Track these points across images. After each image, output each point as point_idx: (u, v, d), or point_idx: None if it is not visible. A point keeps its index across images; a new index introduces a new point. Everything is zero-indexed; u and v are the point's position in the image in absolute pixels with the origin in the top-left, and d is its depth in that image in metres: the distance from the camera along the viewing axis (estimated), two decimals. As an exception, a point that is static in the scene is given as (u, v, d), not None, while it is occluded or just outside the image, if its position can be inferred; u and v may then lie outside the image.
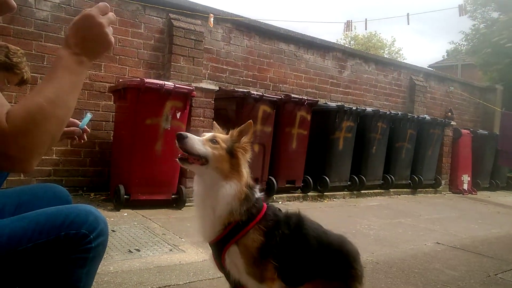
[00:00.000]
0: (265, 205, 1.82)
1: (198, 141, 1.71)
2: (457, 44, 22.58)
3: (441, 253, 3.97)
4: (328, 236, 1.91)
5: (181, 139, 1.68)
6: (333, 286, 1.84)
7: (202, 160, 1.71)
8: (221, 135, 1.83)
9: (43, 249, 1.17)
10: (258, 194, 1.80)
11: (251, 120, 1.86)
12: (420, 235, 4.65)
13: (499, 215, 6.72)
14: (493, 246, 4.42)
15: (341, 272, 1.84)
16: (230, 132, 1.86)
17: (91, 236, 1.21)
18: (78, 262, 1.20)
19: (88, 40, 1.07)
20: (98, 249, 1.23)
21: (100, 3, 1.12)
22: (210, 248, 1.86)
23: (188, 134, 1.72)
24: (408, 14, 7.37)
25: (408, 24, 7.14)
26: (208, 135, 1.80)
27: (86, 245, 1.20)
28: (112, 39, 1.12)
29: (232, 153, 1.76)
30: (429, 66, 27.68)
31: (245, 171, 1.78)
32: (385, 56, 31.27)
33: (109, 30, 1.10)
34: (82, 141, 1.80)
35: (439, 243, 4.31)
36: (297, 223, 1.82)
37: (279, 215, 1.82)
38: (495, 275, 3.38)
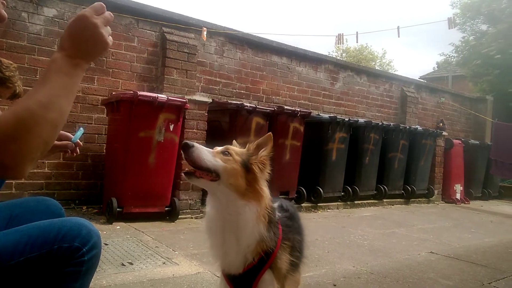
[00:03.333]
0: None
1: (207, 152, 1.52)
2: (447, 56, 22.88)
3: (435, 262, 3.98)
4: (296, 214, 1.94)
5: (187, 148, 1.48)
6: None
7: (212, 175, 1.50)
8: (236, 148, 1.63)
9: (35, 263, 1.17)
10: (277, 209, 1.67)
11: (270, 133, 1.68)
12: (414, 245, 4.66)
13: (492, 224, 6.75)
14: (486, 255, 4.43)
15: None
16: (247, 146, 1.66)
17: (84, 250, 1.20)
18: (71, 276, 1.19)
19: (83, 42, 1.03)
20: (91, 263, 1.23)
21: (96, 3, 1.07)
22: (220, 273, 1.69)
23: (195, 144, 1.52)
24: (398, 27, 7.48)
25: (399, 36, 7.26)
26: (220, 148, 1.60)
27: (79, 259, 1.20)
28: (109, 40, 1.07)
29: (248, 168, 1.55)
30: (420, 78, 27.96)
31: (266, 189, 1.57)
32: (376, 68, 31.61)
33: (105, 31, 1.05)
34: (75, 154, 1.80)
35: (433, 253, 4.32)
36: (293, 220, 1.78)
37: (288, 222, 1.72)
38: (489, 283, 3.39)
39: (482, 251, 4.58)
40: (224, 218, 1.53)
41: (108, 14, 1.07)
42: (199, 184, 1.57)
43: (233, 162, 1.53)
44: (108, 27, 1.07)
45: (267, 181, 1.62)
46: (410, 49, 66.77)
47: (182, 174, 1.57)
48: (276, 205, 1.72)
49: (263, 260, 1.53)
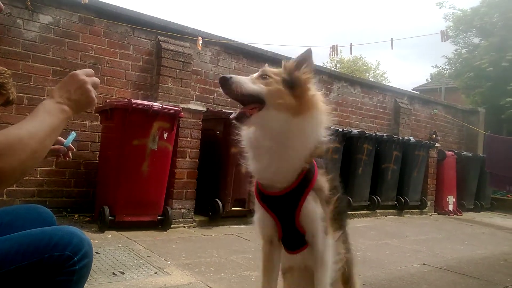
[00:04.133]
0: None
1: (246, 80, 1.48)
2: (440, 68, 23.15)
3: (428, 274, 3.98)
4: None
5: (225, 81, 1.44)
6: None
7: (257, 105, 1.46)
8: (273, 69, 1.58)
9: (26, 271, 1.16)
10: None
11: (310, 47, 1.63)
12: (407, 256, 4.66)
13: (484, 235, 6.78)
14: (478, 266, 4.44)
15: None
16: (282, 65, 1.61)
17: (75, 258, 1.20)
18: (62, 285, 1.18)
19: (71, 93, 1.20)
20: (82, 272, 1.22)
21: (87, 69, 1.28)
22: (265, 200, 1.61)
23: (232, 75, 1.49)
24: (392, 39, 7.55)
25: (392, 48, 7.31)
26: (256, 74, 1.56)
27: (70, 268, 1.19)
28: (95, 97, 1.25)
29: (292, 84, 1.50)
30: (413, 89, 28.20)
31: (317, 93, 1.56)
32: (370, 79, 31.86)
33: (92, 89, 1.24)
34: (67, 158, 1.79)
35: (425, 264, 4.33)
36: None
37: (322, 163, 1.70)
38: (481, 296, 3.40)
39: (474, 263, 4.59)
40: (274, 137, 1.50)
41: (96, 79, 1.28)
42: (251, 123, 1.52)
43: (275, 82, 1.49)
44: (94, 89, 1.26)
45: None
46: (403, 61, 67.47)
47: (233, 120, 1.51)
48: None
49: (306, 181, 1.51)
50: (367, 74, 32.78)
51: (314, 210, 1.53)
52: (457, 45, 18.18)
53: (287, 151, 1.49)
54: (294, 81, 1.50)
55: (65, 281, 1.19)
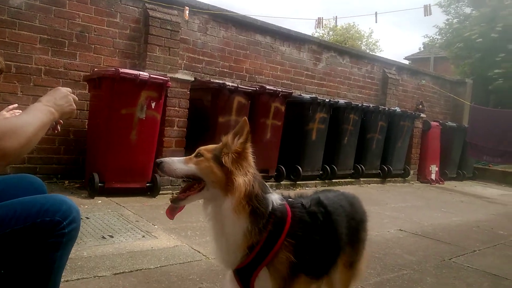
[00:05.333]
0: (289, 211, 1.55)
1: (177, 162, 1.52)
2: (431, 37, 23.07)
3: (403, 239, 4.22)
4: (346, 210, 1.80)
5: (157, 166, 1.52)
6: (351, 258, 1.83)
7: (197, 186, 1.51)
8: (209, 147, 1.58)
9: (21, 234, 1.30)
10: (275, 201, 1.54)
11: (245, 118, 1.59)
12: (385, 222, 4.89)
13: (462, 204, 7.07)
14: (452, 233, 4.70)
15: (354, 240, 1.83)
16: (223, 138, 1.58)
17: (65, 223, 1.34)
18: (53, 246, 1.33)
19: (57, 99, 1.48)
20: (71, 235, 1.36)
21: (67, 88, 1.60)
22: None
23: (163, 159, 1.54)
24: (376, 13, 7.56)
25: (376, 22, 7.35)
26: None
27: (60, 231, 1.33)
28: (75, 108, 1.58)
29: (220, 161, 1.49)
30: (405, 58, 28.17)
31: (241, 178, 1.47)
32: (362, 47, 31.67)
33: (73, 102, 1.56)
34: (56, 132, 1.89)
35: (401, 230, 4.57)
36: (324, 217, 1.62)
37: (306, 218, 1.57)
38: (449, 259, 3.64)
39: (449, 230, 4.84)
40: (214, 217, 1.52)
41: (75, 96, 1.60)
42: (190, 201, 1.54)
43: (205, 160, 1.50)
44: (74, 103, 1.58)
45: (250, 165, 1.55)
46: (398, 28, 66.70)
47: (170, 202, 1.56)
48: (311, 197, 1.68)
49: (262, 256, 1.47)
50: (359, 42, 32.54)
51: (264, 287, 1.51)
52: (449, 14, 18.10)
53: (224, 229, 1.48)
54: (220, 160, 1.50)
55: (55, 243, 1.33)
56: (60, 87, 1.56)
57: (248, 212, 1.45)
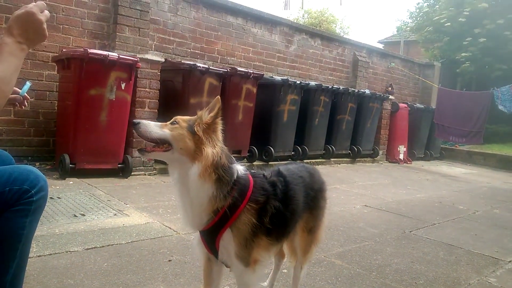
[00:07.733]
0: (251, 179, 1.69)
1: (154, 125, 1.63)
2: (403, 21, 23.44)
3: (367, 214, 4.42)
4: (305, 180, 1.94)
5: (134, 125, 1.63)
6: (309, 224, 2.00)
7: (163, 146, 1.62)
8: (185, 117, 1.70)
9: None
10: (240, 171, 1.66)
11: (218, 96, 1.72)
12: (351, 199, 5.09)
13: (427, 181, 7.37)
14: (414, 208, 4.94)
15: (313, 208, 2.00)
16: (198, 113, 1.70)
17: (33, 191, 1.40)
18: (22, 213, 1.39)
19: (29, 32, 1.37)
20: (39, 202, 1.43)
21: (39, 2, 1.42)
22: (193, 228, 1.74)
23: (141, 120, 1.64)
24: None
25: (341, 4, 7.44)
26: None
27: (28, 199, 1.39)
28: (46, 33, 1.42)
29: (194, 132, 1.61)
30: (379, 42, 28.60)
31: (210, 149, 1.59)
32: (337, 31, 31.86)
33: (46, 31, 1.41)
34: (23, 107, 1.92)
35: (367, 206, 4.77)
36: (283, 186, 1.76)
37: (266, 186, 1.71)
38: (410, 232, 3.86)
39: (412, 205, 5.08)
40: (180, 181, 1.62)
41: (47, 12, 1.42)
42: (154, 156, 1.67)
43: (179, 128, 1.61)
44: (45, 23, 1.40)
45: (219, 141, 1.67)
46: (372, 12, 67.15)
47: (136, 151, 1.66)
48: (272, 169, 1.82)
49: (224, 220, 1.59)
50: (334, 26, 32.69)
51: (227, 247, 1.63)
52: (420, -2, 18.42)
53: (190, 193, 1.59)
54: (193, 130, 1.61)
55: (24, 210, 1.40)
56: (33, 11, 1.36)
57: (214, 180, 1.57)
